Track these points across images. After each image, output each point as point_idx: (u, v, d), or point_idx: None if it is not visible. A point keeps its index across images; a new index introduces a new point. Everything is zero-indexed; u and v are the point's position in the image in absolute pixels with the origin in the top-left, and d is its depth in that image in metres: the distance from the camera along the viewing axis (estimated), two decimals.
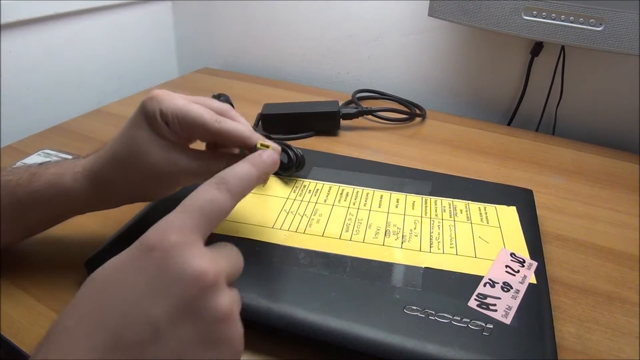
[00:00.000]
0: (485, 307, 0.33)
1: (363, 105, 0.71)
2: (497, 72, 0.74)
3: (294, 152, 0.46)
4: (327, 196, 0.45)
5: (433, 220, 0.42)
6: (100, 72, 0.84)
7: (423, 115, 0.70)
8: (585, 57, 0.67)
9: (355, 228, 0.40)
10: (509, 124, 0.74)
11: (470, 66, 0.76)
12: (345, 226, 0.41)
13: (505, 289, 0.34)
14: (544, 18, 0.56)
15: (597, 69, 0.67)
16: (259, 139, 0.33)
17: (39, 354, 0.21)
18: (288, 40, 0.88)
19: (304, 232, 0.40)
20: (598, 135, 0.69)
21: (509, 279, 0.35)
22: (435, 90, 0.80)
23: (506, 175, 0.55)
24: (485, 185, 0.48)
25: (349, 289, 0.34)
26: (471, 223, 0.42)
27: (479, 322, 0.31)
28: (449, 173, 0.50)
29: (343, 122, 0.64)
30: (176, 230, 0.23)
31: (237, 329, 0.23)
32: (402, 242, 0.39)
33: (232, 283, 0.25)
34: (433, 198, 0.45)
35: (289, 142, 0.60)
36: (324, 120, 0.63)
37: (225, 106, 0.35)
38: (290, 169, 0.46)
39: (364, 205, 0.44)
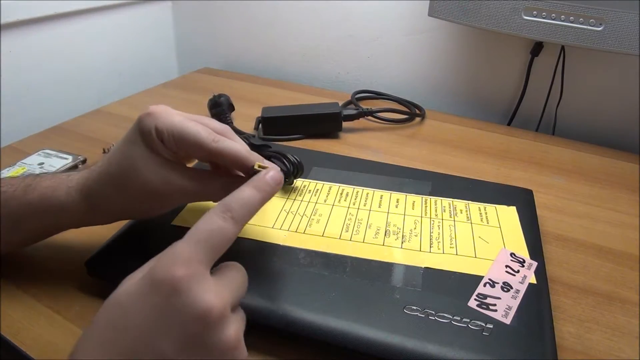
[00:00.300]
0: (485, 307, 0.33)
1: (362, 105, 0.71)
2: (497, 72, 0.74)
3: (290, 160, 0.45)
4: (327, 196, 0.45)
5: (433, 220, 0.42)
6: (101, 72, 0.84)
7: (423, 115, 0.70)
8: (585, 57, 0.67)
9: (355, 228, 0.40)
10: (509, 124, 0.74)
11: (470, 66, 0.76)
12: (345, 226, 0.41)
13: (505, 289, 0.34)
14: (544, 18, 0.56)
15: (597, 69, 0.67)
16: (257, 160, 0.32)
17: None
18: (288, 40, 0.88)
19: (304, 232, 0.40)
20: (598, 135, 0.69)
21: (509, 279, 0.35)
22: (435, 90, 0.80)
23: (506, 175, 0.55)
24: (485, 185, 0.48)
25: (349, 289, 0.34)
26: (471, 223, 0.42)
27: (479, 322, 0.31)
28: (449, 173, 0.50)
29: (343, 123, 0.64)
30: (183, 263, 0.23)
31: (242, 351, 0.25)
32: (402, 242, 0.39)
33: (238, 303, 0.26)
34: (433, 198, 0.45)
35: (287, 142, 0.61)
36: (325, 122, 0.63)
37: (224, 127, 0.34)
38: (289, 178, 0.45)
39: (364, 205, 0.44)
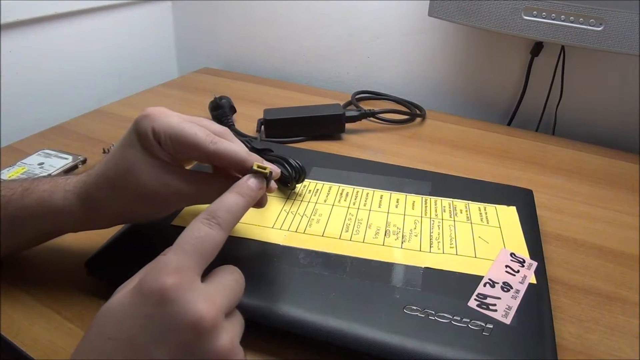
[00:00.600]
0: (485, 307, 0.33)
1: (362, 105, 0.71)
2: (497, 72, 0.74)
3: (292, 165, 0.44)
4: (327, 196, 0.45)
5: (433, 220, 0.42)
6: (100, 72, 0.84)
7: (423, 116, 0.70)
8: (585, 57, 0.67)
9: (355, 228, 0.40)
10: (509, 124, 0.74)
11: (470, 66, 0.76)
12: (345, 226, 0.41)
13: (505, 289, 0.34)
14: (544, 18, 0.56)
15: (597, 69, 0.67)
16: (255, 161, 0.32)
17: None
18: (288, 40, 0.88)
19: (304, 232, 0.40)
20: (598, 135, 0.69)
21: (509, 279, 0.35)
22: (435, 90, 0.80)
23: (506, 175, 0.55)
24: (485, 185, 0.48)
25: (348, 289, 0.34)
26: (471, 223, 0.42)
27: (479, 322, 0.31)
28: (449, 173, 0.50)
29: (345, 124, 0.64)
30: (172, 272, 0.23)
31: (239, 357, 0.25)
32: (402, 242, 0.39)
33: (233, 308, 0.26)
34: (433, 198, 0.45)
35: (291, 144, 0.61)
36: (328, 124, 0.63)
37: (223, 129, 0.34)
38: (290, 182, 0.44)
39: (364, 205, 0.44)
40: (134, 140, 0.32)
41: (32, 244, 0.37)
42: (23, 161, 0.52)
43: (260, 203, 0.34)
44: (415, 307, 0.32)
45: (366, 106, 0.70)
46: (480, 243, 0.39)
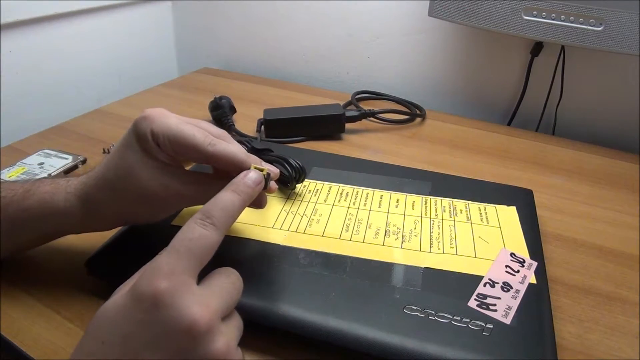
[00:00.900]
0: (485, 307, 0.33)
1: (362, 106, 0.71)
2: (497, 72, 0.74)
3: (292, 165, 0.44)
4: (327, 196, 0.45)
5: (433, 220, 0.42)
6: (100, 72, 0.84)
7: (423, 116, 0.70)
8: (585, 57, 0.67)
9: (355, 228, 0.40)
10: (509, 124, 0.74)
11: (470, 66, 0.76)
12: (345, 226, 0.41)
13: (505, 289, 0.34)
14: (544, 18, 0.56)
15: (597, 69, 0.67)
16: (254, 162, 0.32)
17: None
18: (288, 40, 0.88)
19: (304, 232, 0.40)
20: (598, 135, 0.69)
21: (509, 279, 0.35)
22: (435, 90, 0.80)
23: (506, 175, 0.55)
24: (485, 185, 0.48)
25: (348, 289, 0.34)
26: (471, 223, 0.42)
27: (479, 322, 0.31)
28: (449, 173, 0.50)
29: (345, 124, 0.64)
30: (165, 275, 0.23)
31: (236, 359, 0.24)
32: (402, 242, 0.39)
33: (230, 311, 0.26)
34: (433, 198, 0.45)
35: (291, 144, 0.61)
36: (328, 124, 0.63)
37: (222, 131, 0.34)
38: (290, 182, 0.44)
39: (364, 205, 0.44)
40: (133, 141, 0.32)
41: (33, 245, 0.37)
42: (23, 161, 0.52)
43: (259, 204, 0.34)
44: (415, 307, 0.32)
45: (366, 106, 0.70)
46: (480, 243, 0.39)
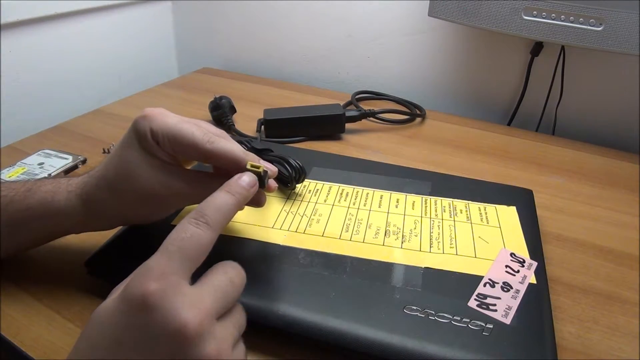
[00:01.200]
0: (485, 307, 0.33)
1: (362, 106, 0.71)
2: (497, 72, 0.74)
3: (292, 165, 0.44)
4: (327, 196, 0.45)
5: (433, 220, 0.42)
6: (100, 72, 0.84)
7: (423, 116, 0.70)
8: (585, 57, 0.67)
9: (355, 228, 0.40)
10: (509, 124, 0.74)
11: (470, 66, 0.76)
12: (345, 226, 0.41)
13: (505, 289, 0.34)
14: (544, 18, 0.56)
15: (597, 69, 0.67)
16: (252, 160, 0.32)
17: None
18: (288, 40, 0.88)
19: (303, 232, 0.40)
20: (598, 135, 0.69)
21: (509, 279, 0.35)
22: (435, 90, 0.80)
23: (506, 175, 0.55)
24: (485, 185, 0.48)
25: (348, 289, 0.34)
26: (471, 223, 0.42)
27: (479, 322, 0.31)
28: (449, 173, 0.50)
29: (345, 124, 0.64)
30: (155, 277, 0.22)
31: None
32: (402, 242, 0.39)
33: (227, 308, 0.25)
34: (433, 198, 0.45)
35: (291, 144, 0.61)
36: (328, 124, 0.63)
37: (220, 131, 0.34)
38: (290, 182, 0.44)
39: (364, 205, 0.44)
40: (133, 141, 0.32)
41: (34, 245, 0.37)
42: (23, 161, 0.52)
43: (259, 202, 0.34)
44: (415, 307, 0.32)
45: (366, 106, 0.70)
46: (480, 243, 0.39)
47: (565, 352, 0.33)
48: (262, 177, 0.32)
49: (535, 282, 0.35)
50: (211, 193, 0.33)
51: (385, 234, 0.40)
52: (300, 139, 0.62)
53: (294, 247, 0.38)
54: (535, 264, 0.37)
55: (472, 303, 0.33)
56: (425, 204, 0.44)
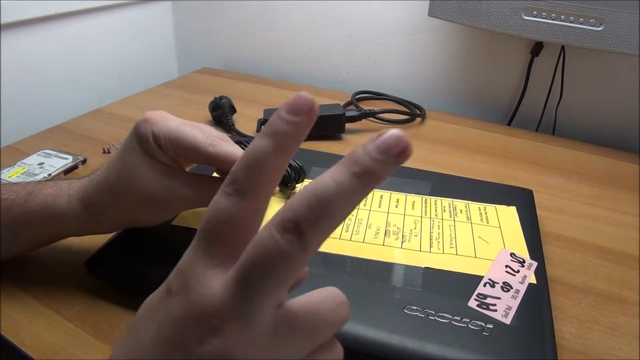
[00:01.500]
0: (485, 307, 0.33)
1: (362, 106, 0.71)
2: (497, 72, 0.74)
3: (291, 165, 0.44)
4: None
5: (433, 220, 0.42)
6: (100, 72, 0.84)
7: (423, 116, 0.70)
8: (585, 57, 0.67)
9: (355, 228, 0.40)
10: (509, 124, 0.74)
11: (470, 66, 0.76)
12: (345, 226, 0.41)
13: (505, 289, 0.34)
14: (544, 18, 0.56)
15: (597, 69, 0.67)
16: None
17: None
18: (288, 40, 0.88)
19: None
20: (598, 135, 0.69)
21: (509, 279, 0.35)
22: (435, 90, 0.80)
23: (506, 175, 0.55)
24: (485, 185, 0.48)
25: (348, 289, 0.33)
26: (471, 223, 0.42)
27: (479, 322, 0.31)
28: (449, 173, 0.50)
29: (345, 124, 0.64)
30: (176, 271, 0.19)
31: None
32: (402, 242, 0.39)
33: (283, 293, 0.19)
34: (433, 198, 0.45)
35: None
36: (328, 124, 0.63)
37: (221, 134, 0.34)
38: (290, 183, 0.44)
39: (364, 205, 0.44)
40: (135, 144, 0.32)
41: (35, 247, 0.37)
42: (23, 161, 0.52)
43: None
44: (415, 307, 0.32)
45: (366, 106, 0.70)
46: (480, 243, 0.39)
47: (565, 352, 0.33)
48: None
49: (535, 282, 0.35)
50: (212, 196, 0.32)
51: (385, 234, 0.40)
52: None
53: None
54: (535, 264, 0.37)
55: (472, 303, 0.33)
56: (425, 204, 0.44)
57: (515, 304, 0.33)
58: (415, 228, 0.41)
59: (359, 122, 0.65)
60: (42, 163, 0.52)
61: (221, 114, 0.64)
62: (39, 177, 0.49)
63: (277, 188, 0.34)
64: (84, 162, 0.53)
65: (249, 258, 0.18)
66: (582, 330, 0.35)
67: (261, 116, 0.63)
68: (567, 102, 0.70)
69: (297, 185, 0.45)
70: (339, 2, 0.80)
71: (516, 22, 0.57)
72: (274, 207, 0.43)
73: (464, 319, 0.31)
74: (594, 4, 0.52)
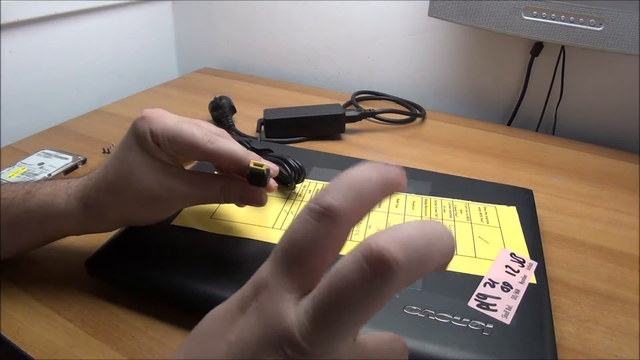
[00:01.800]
0: (485, 307, 0.33)
1: (362, 106, 0.71)
2: (497, 72, 0.74)
3: (292, 165, 0.44)
4: None
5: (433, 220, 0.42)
6: (101, 72, 0.84)
7: (423, 116, 0.70)
8: (585, 57, 0.67)
9: (355, 228, 0.40)
10: (509, 124, 0.74)
11: (471, 66, 0.76)
12: None
13: (505, 289, 0.34)
14: (544, 18, 0.56)
15: (597, 69, 0.67)
16: (253, 158, 0.32)
17: None
18: (288, 40, 0.88)
19: None
20: (598, 135, 0.69)
21: (509, 279, 0.35)
22: (435, 90, 0.80)
23: (506, 175, 0.55)
24: (485, 185, 0.48)
25: None
26: (471, 223, 0.42)
27: (479, 322, 0.31)
28: (449, 173, 0.50)
29: (345, 124, 0.64)
30: (251, 283, 0.19)
31: None
32: None
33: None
34: (433, 198, 0.45)
35: (291, 144, 0.61)
36: (328, 124, 0.63)
37: (221, 130, 0.34)
38: (290, 183, 0.44)
39: None
40: (133, 143, 0.32)
41: (34, 247, 0.37)
42: (23, 161, 0.52)
43: (260, 202, 0.34)
44: (415, 307, 0.32)
45: (366, 106, 0.70)
46: (480, 243, 0.39)
47: (565, 352, 0.33)
48: (264, 176, 0.32)
49: (535, 282, 0.35)
50: (212, 193, 0.32)
51: None
52: (300, 139, 0.62)
53: None
54: (535, 264, 0.37)
55: (472, 303, 0.33)
56: (425, 204, 0.44)
57: (515, 304, 0.33)
58: None
59: (359, 122, 0.65)
60: (42, 163, 0.52)
61: (221, 114, 0.64)
62: (39, 177, 0.49)
63: (275, 184, 0.34)
64: (84, 162, 0.53)
65: (333, 288, 0.17)
66: (582, 330, 0.35)
67: (261, 116, 0.63)
68: (567, 102, 0.70)
69: (297, 185, 0.45)
70: (339, 2, 0.80)
71: (516, 22, 0.57)
72: (274, 207, 0.43)
73: (464, 319, 0.31)
74: (594, 4, 0.52)
